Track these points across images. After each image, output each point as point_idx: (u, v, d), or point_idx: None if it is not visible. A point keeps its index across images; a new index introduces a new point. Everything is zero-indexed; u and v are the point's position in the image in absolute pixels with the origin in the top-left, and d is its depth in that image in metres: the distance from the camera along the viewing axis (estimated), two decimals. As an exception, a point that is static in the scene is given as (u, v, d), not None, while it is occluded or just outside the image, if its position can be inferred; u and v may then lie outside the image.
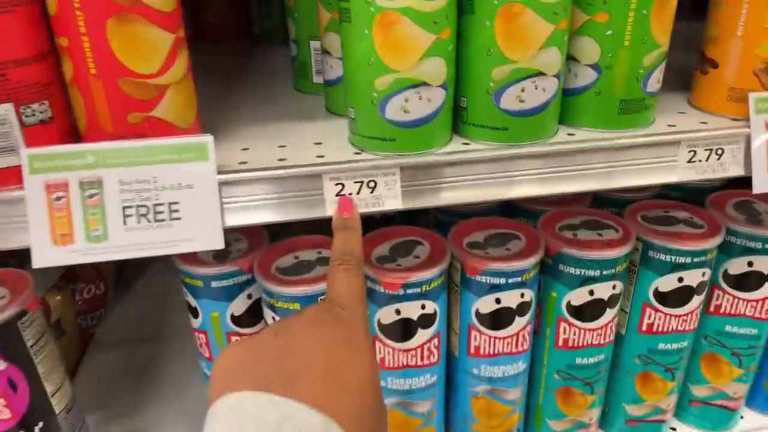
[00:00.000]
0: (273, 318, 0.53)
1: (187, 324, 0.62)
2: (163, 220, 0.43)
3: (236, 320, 0.57)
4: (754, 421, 0.72)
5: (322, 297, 0.52)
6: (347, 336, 0.37)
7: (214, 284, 0.55)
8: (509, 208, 0.69)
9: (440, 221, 0.71)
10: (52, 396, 0.54)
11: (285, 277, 0.53)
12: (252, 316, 0.58)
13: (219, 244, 0.44)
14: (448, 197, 0.46)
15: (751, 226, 0.59)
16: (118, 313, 0.95)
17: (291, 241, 0.59)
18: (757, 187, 0.49)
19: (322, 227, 0.50)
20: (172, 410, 0.72)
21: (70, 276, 0.84)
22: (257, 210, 0.45)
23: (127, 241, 0.42)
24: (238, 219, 0.45)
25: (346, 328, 0.37)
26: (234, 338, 0.57)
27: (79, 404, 0.60)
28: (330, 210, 0.45)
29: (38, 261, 0.41)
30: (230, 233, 0.59)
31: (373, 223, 0.66)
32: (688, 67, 0.58)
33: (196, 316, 0.58)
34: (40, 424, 0.54)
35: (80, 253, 0.42)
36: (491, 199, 0.47)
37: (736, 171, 0.49)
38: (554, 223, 0.61)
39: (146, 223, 0.43)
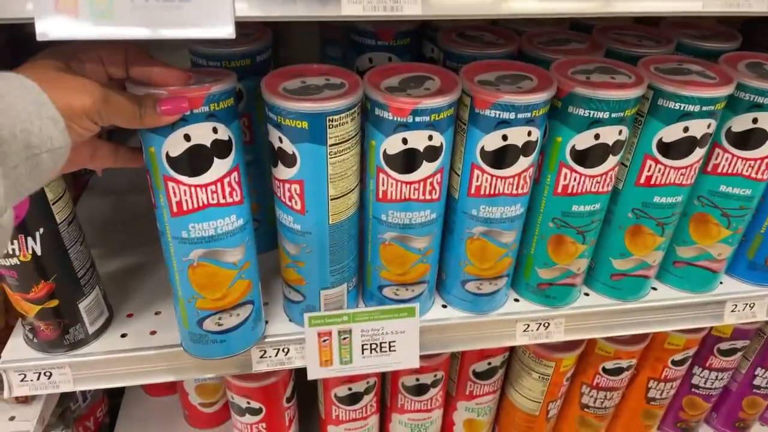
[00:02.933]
0: (279, 138, 0.53)
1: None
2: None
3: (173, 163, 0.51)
4: (731, 287, 0.76)
5: (332, 116, 0.51)
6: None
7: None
8: (522, 58, 0.67)
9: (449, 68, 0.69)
10: (53, 203, 0.54)
11: (293, 95, 0.52)
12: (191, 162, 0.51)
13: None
14: None
15: (760, 80, 0.59)
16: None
17: (297, 67, 0.57)
18: (781, 23, 0.48)
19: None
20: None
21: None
22: None
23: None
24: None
25: None
26: (171, 185, 0.52)
27: (79, 221, 0.60)
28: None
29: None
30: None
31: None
32: None
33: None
34: (41, 230, 0.54)
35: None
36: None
37: (760, 7, 0.48)
38: (568, 68, 0.60)
39: None
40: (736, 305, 0.75)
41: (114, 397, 1.08)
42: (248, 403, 0.76)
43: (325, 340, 0.66)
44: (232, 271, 0.59)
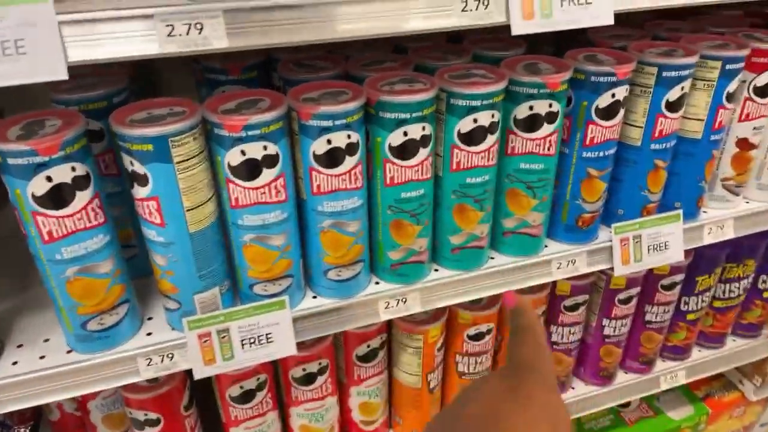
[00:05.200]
0: (131, 162, 0.62)
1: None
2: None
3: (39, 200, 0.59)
4: (556, 248, 0.91)
5: (174, 138, 0.60)
6: (551, 394, 0.42)
7: (10, 161, 0.57)
8: (348, 78, 0.80)
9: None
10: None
11: (138, 124, 0.61)
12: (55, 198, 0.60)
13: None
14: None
15: (528, 75, 0.74)
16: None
17: (143, 102, 0.67)
18: (515, 31, 0.63)
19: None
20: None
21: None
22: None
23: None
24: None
25: (545, 385, 0.43)
26: (40, 218, 0.60)
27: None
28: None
29: None
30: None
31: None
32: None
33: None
34: None
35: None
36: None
37: (499, 18, 0.63)
38: (378, 82, 0.73)
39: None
40: (560, 263, 0.90)
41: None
42: (146, 415, 0.81)
43: (205, 341, 0.74)
44: (106, 280, 0.66)
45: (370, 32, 0.59)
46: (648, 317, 1.11)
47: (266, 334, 0.76)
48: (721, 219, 0.98)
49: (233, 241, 0.72)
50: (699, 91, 0.85)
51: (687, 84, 0.81)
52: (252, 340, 0.76)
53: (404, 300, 0.83)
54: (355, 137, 0.68)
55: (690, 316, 1.15)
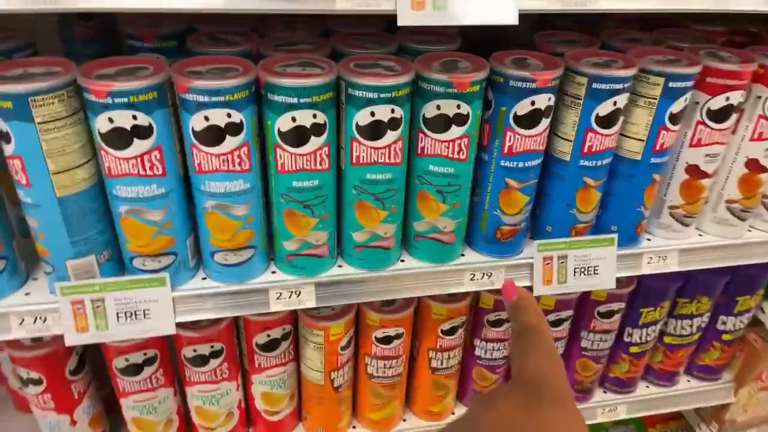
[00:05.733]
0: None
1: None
2: None
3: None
4: (473, 258, 0.86)
5: (35, 97, 0.59)
6: (567, 410, 0.39)
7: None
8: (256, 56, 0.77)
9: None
10: None
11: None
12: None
13: None
14: None
15: (436, 72, 0.69)
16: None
17: (23, 60, 0.66)
18: (401, 21, 0.59)
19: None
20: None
21: None
22: None
23: None
24: None
25: (561, 399, 0.40)
26: None
27: None
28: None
29: None
30: None
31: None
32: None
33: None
34: None
35: None
36: None
37: (388, 6, 0.59)
38: (273, 63, 0.69)
39: None
40: (474, 274, 0.85)
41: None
42: (28, 373, 0.81)
43: (79, 308, 0.73)
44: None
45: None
46: (584, 344, 1.05)
47: (144, 310, 0.75)
48: (663, 249, 0.91)
49: (112, 210, 0.71)
50: (639, 108, 0.79)
51: (621, 99, 0.75)
52: (128, 314, 0.74)
53: (298, 293, 0.80)
54: (237, 117, 0.65)
55: (633, 349, 1.08)
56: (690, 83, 0.77)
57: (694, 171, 0.86)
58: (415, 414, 1.08)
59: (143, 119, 0.63)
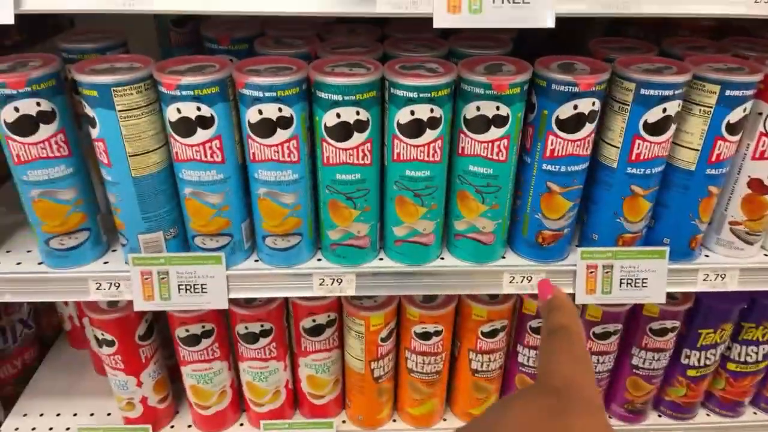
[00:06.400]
0: (84, 105, 0.71)
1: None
2: None
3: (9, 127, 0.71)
4: (514, 260, 0.87)
5: (116, 88, 0.68)
6: (596, 417, 0.36)
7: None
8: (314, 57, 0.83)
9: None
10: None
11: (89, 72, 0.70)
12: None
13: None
14: None
15: (476, 74, 0.72)
16: None
17: (111, 57, 0.76)
18: (437, 23, 0.62)
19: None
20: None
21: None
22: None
23: None
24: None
25: (589, 407, 0.37)
26: (10, 142, 0.71)
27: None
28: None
29: None
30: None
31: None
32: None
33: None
34: None
35: None
36: None
37: (425, 9, 0.62)
38: (324, 64, 0.75)
39: None
40: (513, 277, 0.86)
41: (45, 346, 1.28)
42: (102, 334, 0.92)
43: (146, 278, 0.82)
44: (66, 206, 0.77)
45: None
46: (635, 361, 1.01)
47: (201, 284, 0.83)
48: (722, 267, 0.86)
49: (179, 192, 0.79)
50: (693, 117, 0.76)
51: (671, 106, 0.73)
52: (188, 287, 0.83)
53: (339, 281, 0.85)
54: (288, 111, 0.72)
55: (691, 372, 1.03)
56: (750, 92, 0.73)
57: (758, 185, 0.81)
58: (455, 414, 1.09)
59: (206, 111, 0.71)
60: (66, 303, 1.19)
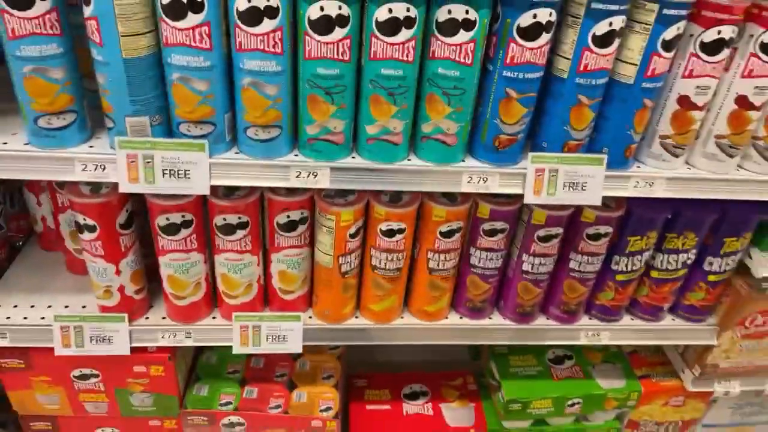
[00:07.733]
0: None
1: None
2: None
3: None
4: (472, 164, 0.96)
5: None
6: None
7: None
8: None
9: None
10: None
11: None
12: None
13: None
14: None
15: (451, -20, 0.79)
16: None
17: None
18: None
19: None
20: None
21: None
22: None
23: None
24: None
25: None
26: (5, 15, 0.74)
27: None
28: None
29: None
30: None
31: None
32: None
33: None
34: None
35: None
36: None
37: None
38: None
39: None
40: (471, 177, 0.95)
41: (14, 250, 1.30)
42: (84, 219, 0.97)
43: (132, 161, 0.87)
44: (55, 86, 0.81)
45: None
46: (572, 264, 1.14)
47: (185, 170, 0.89)
48: (651, 175, 0.99)
49: (166, 78, 0.84)
50: (634, 34, 0.87)
51: (617, 20, 0.83)
52: (172, 172, 0.88)
53: (315, 174, 0.92)
54: (275, 1, 0.77)
55: (620, 277, 1.17)
56: (684, 12, 0.84)
57: (686, 102, 0.93)
58: (411, 313, 1.20)
59: (198, -3, 0.76)
60: (39, 203, 1.22)
